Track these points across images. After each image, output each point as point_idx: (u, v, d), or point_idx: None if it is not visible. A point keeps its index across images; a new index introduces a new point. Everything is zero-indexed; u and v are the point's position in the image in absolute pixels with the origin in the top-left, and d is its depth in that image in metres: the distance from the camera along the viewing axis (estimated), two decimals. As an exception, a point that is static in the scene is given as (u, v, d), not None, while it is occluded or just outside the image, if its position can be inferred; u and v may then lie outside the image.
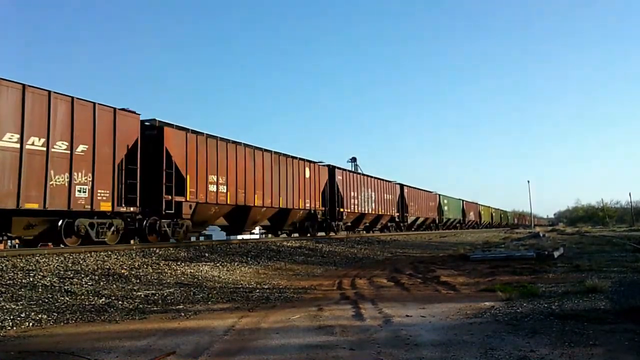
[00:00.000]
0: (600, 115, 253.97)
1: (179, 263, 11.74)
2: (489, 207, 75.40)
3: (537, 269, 11.63)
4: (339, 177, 26.10)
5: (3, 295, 7.25)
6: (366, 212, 29.77)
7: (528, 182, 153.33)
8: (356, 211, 28.28)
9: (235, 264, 12.83)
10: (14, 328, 5.85)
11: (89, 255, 11.04)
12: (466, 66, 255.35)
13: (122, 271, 10.00)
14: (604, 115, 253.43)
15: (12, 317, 6.20)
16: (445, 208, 48.33)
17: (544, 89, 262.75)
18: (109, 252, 11.68)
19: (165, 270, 10.71)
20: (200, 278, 10.30)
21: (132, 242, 14.45)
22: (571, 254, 16.73)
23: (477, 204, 66.61)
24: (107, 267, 10.22)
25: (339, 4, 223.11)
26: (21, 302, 7.00)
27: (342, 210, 26.10)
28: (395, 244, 25.19)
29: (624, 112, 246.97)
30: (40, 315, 6.40)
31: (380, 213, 31.95)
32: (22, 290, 7.70)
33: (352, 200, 27.55)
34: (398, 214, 35.57)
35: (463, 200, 56.78)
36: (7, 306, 6.72)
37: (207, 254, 13.66)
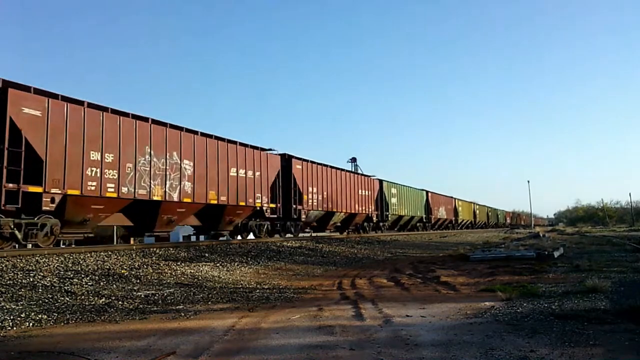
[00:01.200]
0: (601, 114, 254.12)
1: (179, 263, 11.74)
2: (471, 202, 62.65)
3: (537, 269, 11.63)
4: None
5: (3, 296, 7.25)
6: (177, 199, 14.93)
7: (528, 182, 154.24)
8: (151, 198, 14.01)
9: (235, 264, 12.83)
10: (14, 328, 5.85)
11: (89, 255, 11.05)
12: (466, 65, 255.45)
13: (122, 271, 10.00)
14: (604, 115, 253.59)
15: (12, 317, 6.20)
16: (393, 200, 34.35)
17: (544, 89, 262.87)
18: (109, 252, 11.69)
19: (165, 270, 10.72)
20: (200, 278, 10.31)
21: (132, 241, 14.44)
22: (571, 254, 16.74)
23: (452, 197, 52.67)
24: (107, 267, 10.23)
25: (339, 3, 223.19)
26: (21, 302, 7.01)
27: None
28: (395, 244, 25.21)
29: (624, 111, 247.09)
30: (40, 316, 6.40)
31: (226, 202, 17.06)
32: (22, 290, 7.70)
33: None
34: (274, 205, 20.12)
35: (427, 192, 43.01)
36: (7, 306, 6.73)
37: (207, 254, 13.67)
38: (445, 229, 48.76)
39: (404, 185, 37.28)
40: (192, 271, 10.95)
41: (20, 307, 6.74)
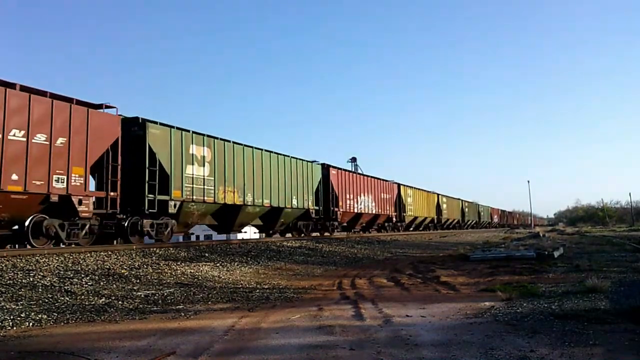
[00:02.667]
0: (601, 115, 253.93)
1: (179, 263, 11.74)
2: (433, 193, 43.81)
3: (537, 269, 11.63)
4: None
5: (3, 295, 7.25)
6: None
7: (528, 182, 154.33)
8: None
9: (235, 264, 12.83)
10: (14, 328, 5.85)
11: (89, 255, 11.04)
12: (467, 65, 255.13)
13: (122, 271, 10.00)
14: (604, 115, 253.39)
15: (12, 317, 6.20)
16: (189, 172, 15.17)
17: (545, 89, 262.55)
18: (109, 252, 11.68)
19: (165, 270, 10.72)
20: (200, 278, 10.30)
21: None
22: (571, 254, 16.74)
23: (395, 183, 34.29)
24: (107, 267, 10.22)
25: (340, 2, 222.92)
26: (21, 302, 7.00)
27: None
28: (395, 244, 25.20)
29: (624, 111, 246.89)
30: (40, 315, 6.40)
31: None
32: (22, 290, 7.70)
33: None
34: None
35: (330, 167, 24.72)
36: (7, 306, 6.72)
37: (207, 254, 13.66)
38: (382, 232, 31.92)
39: (248, 147, 18.25)
40: (192, 271, 10.95)
41: (20, 307, 6.73)
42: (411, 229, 38.14)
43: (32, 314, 6.44)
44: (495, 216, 78.61)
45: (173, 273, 10.52)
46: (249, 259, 13.92)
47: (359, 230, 30.25)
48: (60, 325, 6.09)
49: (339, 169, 25.91)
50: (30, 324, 6.06)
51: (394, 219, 33.77)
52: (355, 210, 27.39)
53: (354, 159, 45.49)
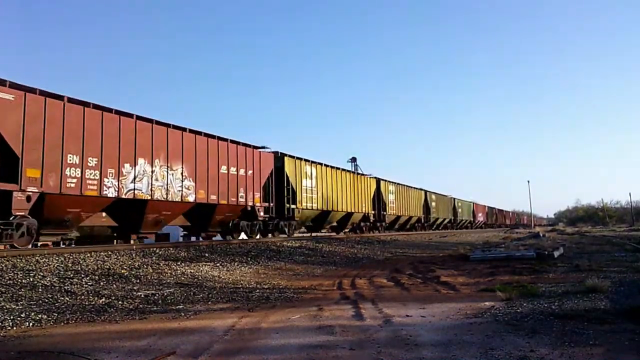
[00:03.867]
0: (601, 114, 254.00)
1: (179, 263, 11.74)
2: (369, 176, 30.44)
3: (537, 269, 11.63)
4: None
5: (3, 295, 7.25)
6: None
7: (528, 182, 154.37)
8: None
9: (235, 264, 12.83)
10: (14, 328, 5.85)
11: (89, 255, 11.05)
12: (466, 65, 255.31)
13: (122, 271, 10.00)
14: (604, 115, 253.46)
15: (12, 317, 6.20)
16: None
17: (545, 89, 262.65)
18: (109, 252, 11.68)
19: (165, 270, 10.72)
20: (200, 278, 10.31)
21: (132, 242, 14.44)
22: (571, 253, 16.74)
23: (280, 152, 20.22)
24: (107, 267, 10.22)
25: (338, 2, 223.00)
26: (21, 302, 7.01)
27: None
28: (395, 244, 25.20)
29: (624, 111, 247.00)
30: (40, 315, 6.40)
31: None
32: (22, 290, 7.70)
33: None
34: None
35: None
36: (7, 306, 6.73)
37: (207, 254, 13.66)
38: (235, 235, 18.28)
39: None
40: (192, 271, 10.95)
41: (20, 307, 6.73)
42: (339, 233, 25.26)
43: (32, 314, 6.44)
44: (480, 214, 62.60)
45: (173, 273, 10.52)
46: (249, 259, 13.92)
47: (149, 234, 15.06)
48: (60, 325, 6.09)
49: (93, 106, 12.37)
50: (30, 324, 6.06)
51: (260, 211, 18.58)
52: (109, 194, 12.63)
53: (354, 159, 45.33)
